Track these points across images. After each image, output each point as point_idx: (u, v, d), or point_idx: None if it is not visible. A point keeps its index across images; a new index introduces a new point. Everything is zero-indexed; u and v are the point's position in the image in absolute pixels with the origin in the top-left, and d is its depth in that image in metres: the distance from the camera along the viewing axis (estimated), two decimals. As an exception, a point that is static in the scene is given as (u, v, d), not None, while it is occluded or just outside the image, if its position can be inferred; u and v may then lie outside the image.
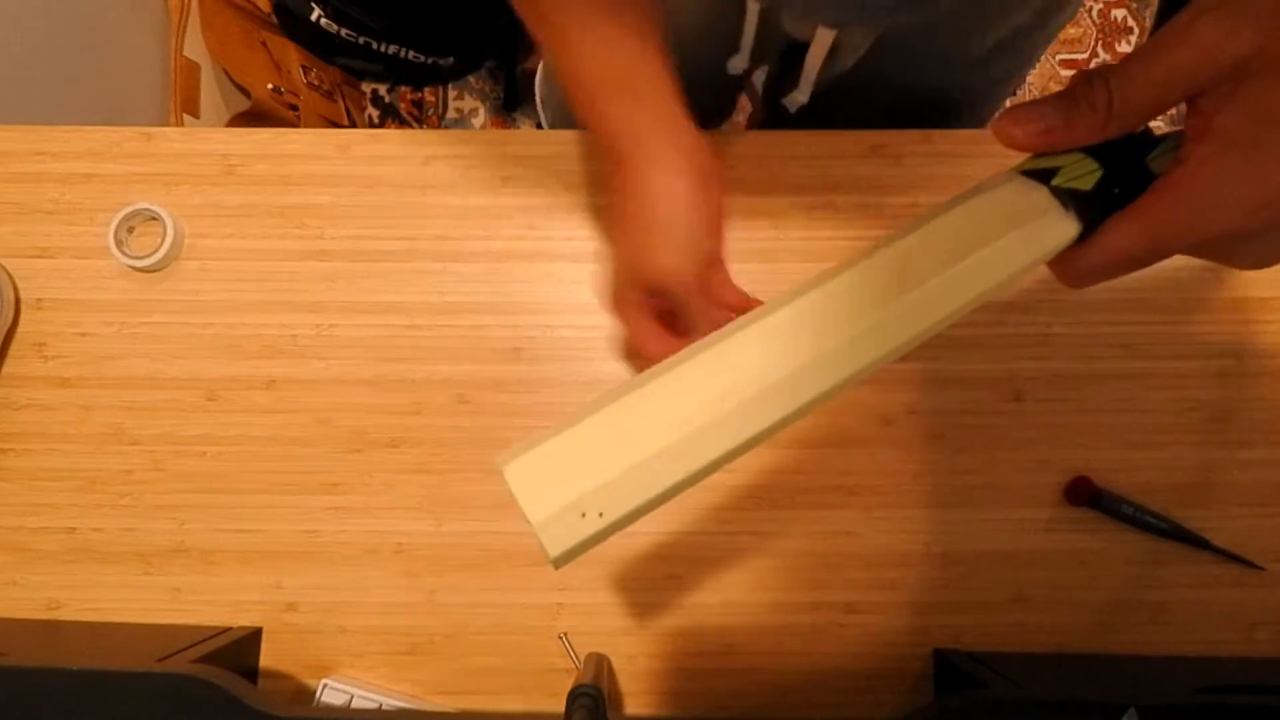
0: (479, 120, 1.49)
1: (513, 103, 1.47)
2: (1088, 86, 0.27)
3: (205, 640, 0.50)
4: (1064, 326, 0.56)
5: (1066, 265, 0.30)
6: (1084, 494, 0.53)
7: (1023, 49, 0.63)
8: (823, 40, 0.54)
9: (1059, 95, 0.28)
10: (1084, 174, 0.28)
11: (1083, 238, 0.28)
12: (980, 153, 0.58)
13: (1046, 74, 1.48)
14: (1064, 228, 0.28)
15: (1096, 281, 0.30)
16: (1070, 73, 1.48)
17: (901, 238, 0.28)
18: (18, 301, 0.56)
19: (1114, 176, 0.28)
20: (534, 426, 0.55)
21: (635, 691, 0.53)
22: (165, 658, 0.46)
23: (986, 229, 0.28)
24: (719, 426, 0.25)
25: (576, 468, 0.24)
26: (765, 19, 0.55)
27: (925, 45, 0.60)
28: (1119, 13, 1.51)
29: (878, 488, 0.55)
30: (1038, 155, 0.29)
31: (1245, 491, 0.54)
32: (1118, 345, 0.56)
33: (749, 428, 0.25)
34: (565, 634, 0.53)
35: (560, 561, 0.23)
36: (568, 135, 0.59)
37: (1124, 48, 1.50)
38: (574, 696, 0.43)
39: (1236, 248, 0.28)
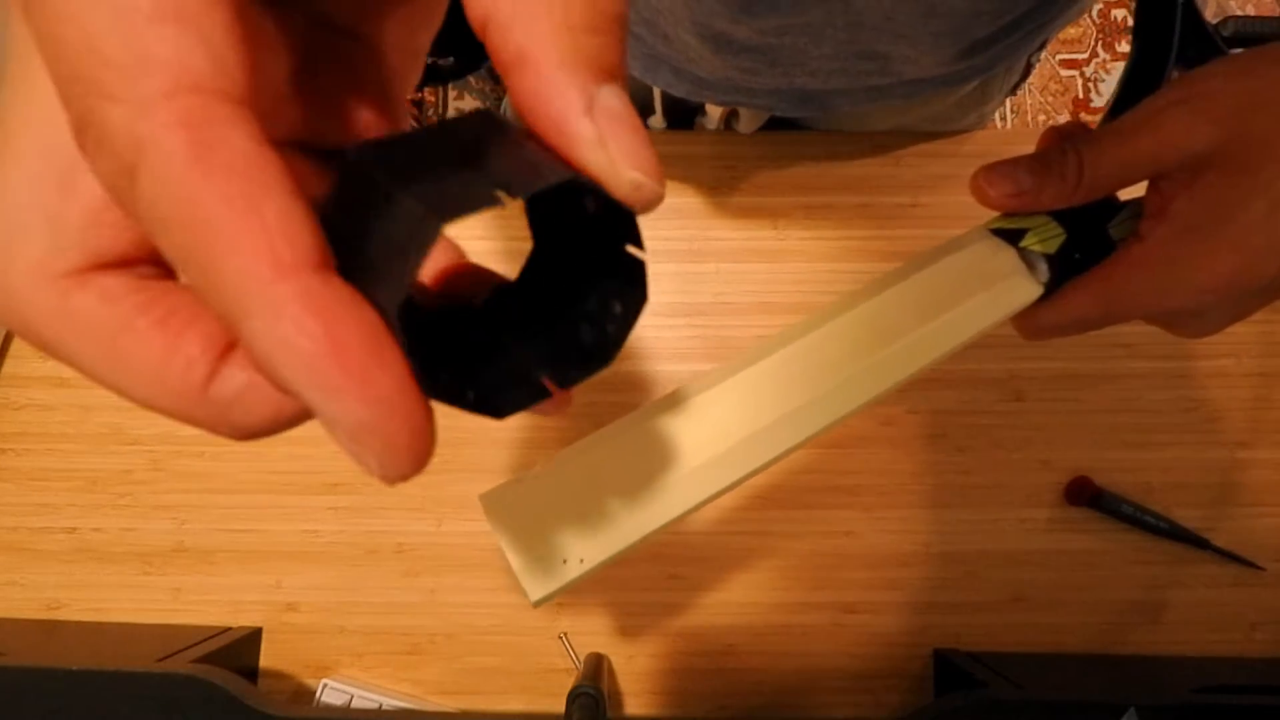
0: (479, 120, 1.49)
1: (503, 104, 1.47)
2: (1061, 156, 0.29)
3: (205, 640, 0.50)
4: (1064, 326, 0.56)
5: (1026, 321, 0.31)
6: (1084, 494, 0.53)
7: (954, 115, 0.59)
8: (714, 111, 0.56)
9: (1033, 158, 0.29)
10: (1050, 237, 0.30)
11: (1043, 298, 0.30)
12: (979, 153, 0.58)
13: (1047, 74, 1.48)
14: (1028, 289, 0.30)
15: (1052, 337, 0.32)
16: (1071, 73, 1.48)
17: (878, 293, 0.30)
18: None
19: (1076, 241, 0.30)
20: (534, 426, 0.55)
21: (635, 691, 0.53)
22: (165, 658, 0.46)
23: (958, 288, 0.29)
24: (696, 477, 0.27)
25: (559, 512, 0.24)
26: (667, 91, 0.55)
27: (827, 125, 0.60)
28: (1119, 13, 1.51)
29: (878, 488, 0.55)
30: (1008, 215, 0.31)
31: (1245, 491, 0.54)
32: (1118, 345, 0.56)
33: (726, 477, 0.28)
34: (565, 634, 0.53)
35: (539, 603, 0.24)
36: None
37: (1123, 47, 1.50)
38: (574, 696, 0.43)
39: (1184, 322, 0.30)
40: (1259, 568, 0.53)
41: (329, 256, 0.11)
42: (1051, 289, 0.30)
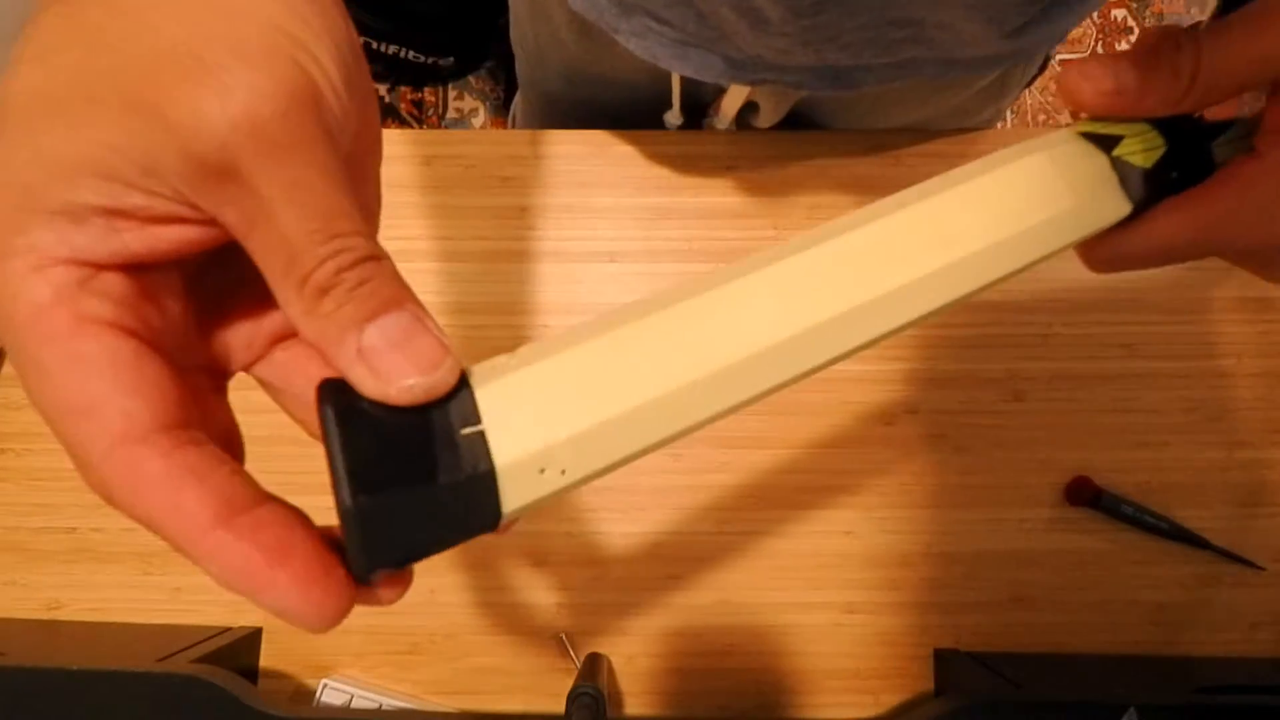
0: (479, 120, 1.49)
1: (512, 103, 1.47)
2: (1175, 50, 0.24)
3: (205, 640, 0.50)
4: (1064, 326, 0.56)
5: (1103, 246, 0.27)
6: (1084, 494, 0.53)
7: (970, 109, 0.60)
8: (735, 95, 0.55)
9: (1137, 52, 0.25)
10: (1148, 148, 0.26)
11: (1128, 219, 0.26)
12: (978, 154, 0.58)
13: (1047, 74, 1.48)
14: (1116, 205, 0.25)
15: (1125, 269, 0.27)
16: (1070, 73, 1.48)
17: (945, 190, 0.24)
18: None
19: (1176, 157, 0.26)
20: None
21: (635, 691, 0.53)
22: (165, 658, 0.46)
23: (1038, 194, 0.25)
24: (715, 383, 0.21)
25: (545, 409, 0.20)
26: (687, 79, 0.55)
27: (849, 117, 0.60)
28: (1119, 12, 1.51)
29: (878, 488, 0.55)
30: (1099, 119, 0.26)
31: (1245, 491, 0.54)
32: (1118, 345, 0.56)
33: (751, 387, 0.22)
34: (565, 634, 0.53)
35: (510, 519, 0.20)
36: (567, 135, 0.59)
37: (1124, 46, 1.50)
38: (574, 696, 0.43)
39: None
40: (1259, 568, 0.53)
41: (241, 497, 0.17)
42: (1140, 210, 0.26)
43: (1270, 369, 0.55)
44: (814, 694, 0.53)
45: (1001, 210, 0.24)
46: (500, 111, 1.49)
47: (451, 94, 1.50)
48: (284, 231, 0.16)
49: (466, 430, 0.19)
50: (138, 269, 0.17)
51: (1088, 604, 0.54)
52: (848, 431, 0.55)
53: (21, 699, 0.42)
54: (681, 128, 0.59)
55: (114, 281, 0.17)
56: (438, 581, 0.54)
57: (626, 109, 0.61)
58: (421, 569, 0.20)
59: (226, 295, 0.21)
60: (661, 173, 0.58)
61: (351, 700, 0.51)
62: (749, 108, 0.57)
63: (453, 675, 0.53)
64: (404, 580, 0.20)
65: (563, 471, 0.20)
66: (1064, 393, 0.55)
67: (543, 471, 0.19)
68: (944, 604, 0.54)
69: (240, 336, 0.22)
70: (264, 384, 0.23)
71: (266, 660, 0.53)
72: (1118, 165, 0.26)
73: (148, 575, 0.54)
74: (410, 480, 0.18)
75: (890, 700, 0.53)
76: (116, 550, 0.54)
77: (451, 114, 1.50)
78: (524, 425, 0.19)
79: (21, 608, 0.54)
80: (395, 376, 0.17)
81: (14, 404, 0.56)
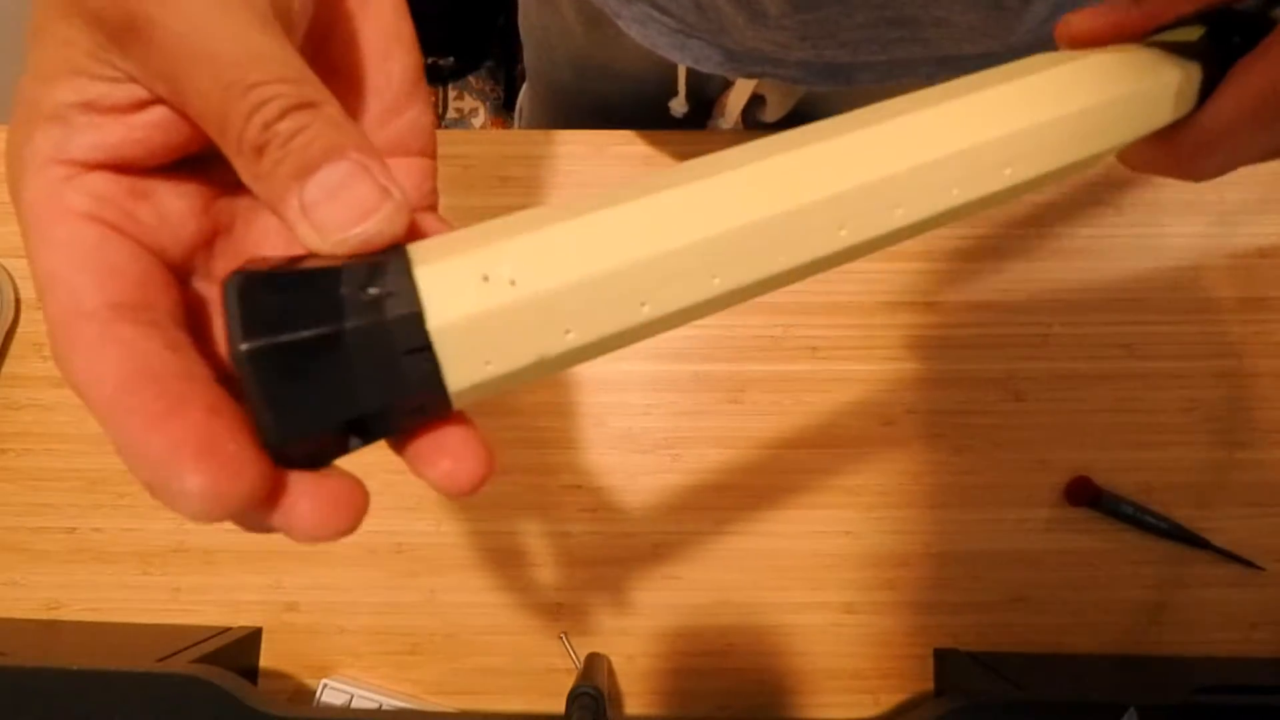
0: (479, 120, 1.49)
1: (513, 103, 1.47)
2: None
3: (205, 640, 0.50)
4: (1064, 326, 0.56)
5: (1180, 139, 0.24)
6: (1084, 494, 0.53)
7: None
8: (741, 90, 0.55)
9: None
10: (1192, 31, 0.24)
11: (1196, 108, 0.23)
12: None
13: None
14: (1189, 72, 0.23)
15: (1215, 155, 0.24)
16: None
17: (975, 91, 0.21)
18: (18, 301, 0.56)
19: (1224, 29, 0.24)
20: (533, 426, 0.55)
21: (635, 691, 0.53)
22: (165, 658, 0.46)
23: (1089, 86, 0.22)
24: (718, 199, 0.18)
25: (500, 227, 0.17)
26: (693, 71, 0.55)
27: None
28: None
29: (878, 488, 0.55)
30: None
31: (1245, 491, 0.54)
32: (1118, 345, 0.56)
33: (770, 204, 0.18)
34: (565, 634, 0.53)
35: (443, 339, 0.16)
36: (568, 135, 0.59)
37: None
38: (574, 696, 0.43)
39: None
40: (1259, 568, 0.53)
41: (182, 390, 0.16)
42: (1206, 93, 0.23)
43: (1270, 369, 0.55)
44: (814, 694, 0.53)
45: (1042, 101, 0.21)
46: (500, 111, 1.49)
47: (451, 94, 1.50)
48: (200, 88, 0.16)
49: (390, 273, 0.16)
50: (130, 169, 0.18)
51: (1088, 604, 0.54)
52: (848, 431, 0.55)
53: (21, 699, 0.42)
54: (687, 117, 0.59)
55: (98, 180, 0.17)
56: (438, 581, 0.54)
57: (634, 100, 0.61)
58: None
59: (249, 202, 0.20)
60: (661, 173, 0.58)
61: (351, 700, 0.51)
62: (756, 102, 0.57)
63: (453, 675, 0.53)
64: (334, 491, 0.16)
65: (512, 281, 0.16)
66: (1064, 393, 0.55)
67: (486, 279, 0.16)
68: (944, 604, 0.54)
69: (271, 239, 0.21)
70: None
71: (266, 660, 0.53)
72: (1172, 47, 0.23)
73: (148, 575, 0.54)
74: (315, 323, 0.15)
75: (890, 700, 0.53)
76: (116, 550, 0.54)
77: (451, 114, 1.50)
78: (461, 258, 0.16)
79: (21, 608, 0.54)
80: (331, 228, 0.16)
81: (14, 404, 0.56)
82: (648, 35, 0.49)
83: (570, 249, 0.17)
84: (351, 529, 0.17)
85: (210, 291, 0.19)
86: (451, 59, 1.41)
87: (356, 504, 0.17)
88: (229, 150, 0.16)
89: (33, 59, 0.17)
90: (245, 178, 0.17)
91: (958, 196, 0.20)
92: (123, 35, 0.16)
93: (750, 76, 0.51)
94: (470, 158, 0.58)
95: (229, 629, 0.53)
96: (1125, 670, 0.52)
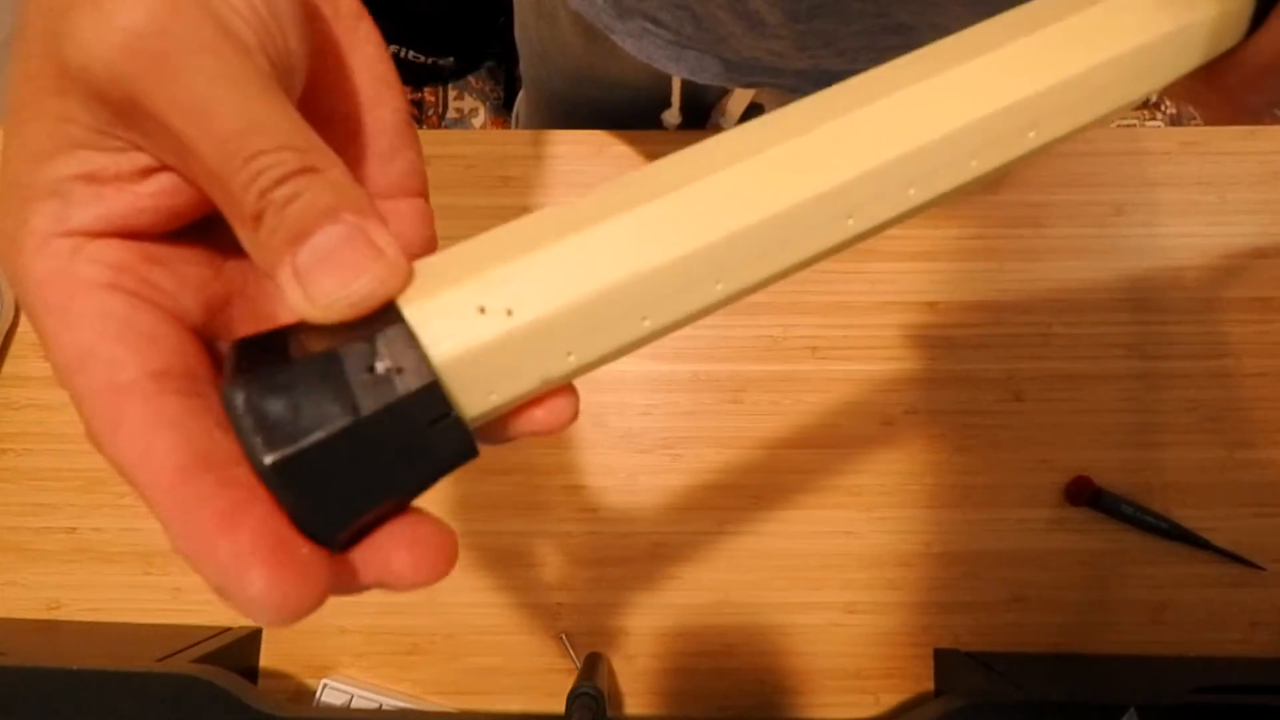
0: (479, 120, 1.49)
1: (513, 103, 1.47)
2: None
3: (205, 640, 0.50)
4: (1064, 326, 0.56)
5: (1227, 72, 0.23)
6: (1084, 494, 0.53)
7: None
8: (741, 96, 0.55)
9: None
10: None
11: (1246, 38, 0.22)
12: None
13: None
14: (1228, 12, 0.21)
15: (1265, 90, 0.23)
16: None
17: (999, 46, 0.19)
18: (18, 301, 0.56)
19: None
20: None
21: (635, 691, 0.53)
22: (165, 658, 0.46)
23: (1125, 25, 0.20)
24: (715, 199, 0.17)
25: (489, 253, 0.17)
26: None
27: None
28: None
29: (878, 488, 0.55)
30: None
31: (1245, 491, 0.54)
32: (1118, 345, 0.56)
33: (770, 202, 0.17)
34: (565, 634, 0.53)
35: (453, 383, 0.16)
36: (568, 135, 0.59)
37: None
38: (574, 696, 0.43)
39: None
40: (1259, 568, 0.53)
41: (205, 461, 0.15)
42: (1259, 17, 0.21)
43: (1270, 369, 0.55)
44: (814, 694, 0.53)
45: (1081, 44, 0.20)
46: (500, 111, 1.49)
47: (451, 94, 1.50)
48: (205, 162, 0.15)
49: (391, 341, 0.15)
50: (141, 235, 0.17)
51: (1088, 604, 0.54)
52: (848, 431, 0.55)
53: (21, 699, 0.42)
54: (680, 127, 0.59)
55: (109, 247, 0.17)
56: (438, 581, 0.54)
57: (629, 108, 0.61)
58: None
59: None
60: (661, 173, 0.58)
61: (351, 700, 0.51)
62: (753, 110, 0.58)
63: (453, 675, 0.53)
64: (425, 539, 0.17)
65: (509, 311, 0.16)
66: (1064, 393, 0.55)
67: (482, 311, 0.16)
68: (944, 604, 0.54)
69: (282, 303, 0.20)
70: None
71: (266, 660, 0.53)
72: None
73: (148, 575, 0.54)
74: (332, 419, 0.15)
75: (890, 700, 0.53)
76: (116, 550, 0.54)
77: (451, 114, 1.50)
78: (455, 291, 0.16)
79: (21, 608, 0.54)
80: (320, 295, 0.15)
81: (14, 404, 0.56)
82: (643, 49, 0.48)
83: (567, 270, 0.16)
84: (447, 572, 0.17)
85: None
86: (451, 59, 1.41)
87: (448, 549, 0.17)
88: (233, 220, 0.16)
89: (17, 140, 0.16)
90: (247, 247, 0.16)
91: (976, 168, 0.19)
92: (126, 111, 0.15)
93: (747, 86, 0.51)
94: (470, 158, 0.58)
95: (229, 629, 0.53)
96: (1125, 670, 0.52)
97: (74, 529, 0.54)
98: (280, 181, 0.15)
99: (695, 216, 0.17)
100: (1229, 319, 0.56)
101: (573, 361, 0.17)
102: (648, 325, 0.17)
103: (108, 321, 0.16)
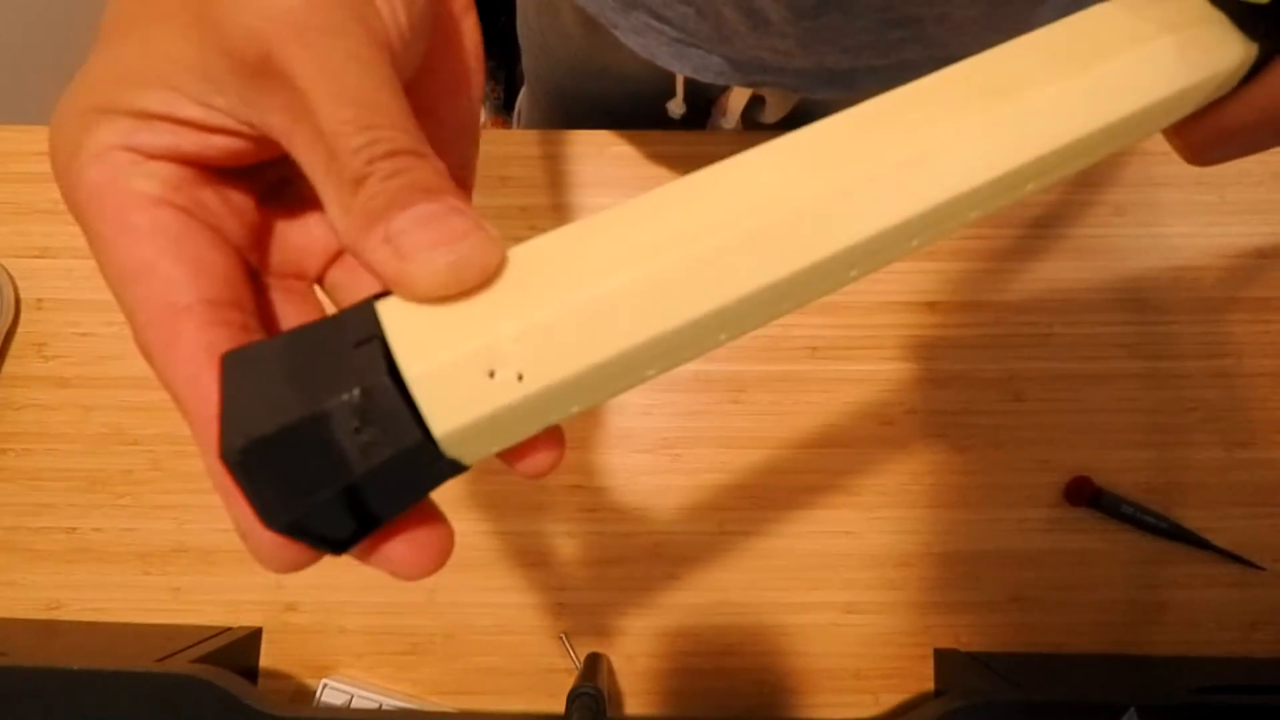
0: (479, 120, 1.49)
1: (513, 103, 1.47)
2: None
3: (205, 640, 0.50)
4: (1064, 326, 0.56)
5: (1197, 127, 0.22)
6: (1084, 494, 0.53)
7: None
8: (740, 93, 0.55)
9: None
10: None
11: (1252, 73, 0.21)
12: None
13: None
14: (1234, 43, 0.20)
15: (1230, 148, 0.22)
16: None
17: (999, 51, 0.19)
18: (18, 301, 0.56)
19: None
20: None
21: (635, 691, 0.53)
22: (165, 658, 0.46)
23: (1124, 34, 0.20)
24: (727, 258, 0.16)
25: (494, 304, 0.16)
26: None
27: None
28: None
29: (878, 488, 0.55)
30: None
31: (1245, 491, 0.54)
32: (1118, 345, 0.56)
33: (780, 264, 0.17)
34: (565, 634, 0.53)
35: (451, 445, 0.15)
36: (568, 135, 0.59)
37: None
38: (574, 696, 0.43)
39: None
40: (1259, 568, 0.53)
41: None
42: (1266, 58, 0.20)
43: (1270, 369, 0.55)
44: (814, 694, 0.53)
45: (1081, 53, 0.19)
46: (500, 111, 1.49)
47: (451, 94, 1.50)
48: (320, 123, 0.16)
49: (382, 401, 0.15)
50: (194, 163, 0.18)
51: (1088, 604, 0.54)
52: (848, 431, 0.55)
53: (21, 699, 0.42)
54: (685, 118, 0.59)
55: (166, 167, 0.17)
56: (438, 581, 0.54)
57: (632, 102, 0.61)
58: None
59: (301, 204, 0.21)
60: (663, 173, 0.58)
61: (351, 700, 0.51)
62: (755, 102, 0.57)
63: (453, 675, 0.53)
64: (424, 537, 0.18)
65: (520, 377, 0.15)
66: (1064, 393, 0.55)
67: (491, 375, 0.15)
68: (944, 604, 0.54)
69: (315, 245, 0.21)
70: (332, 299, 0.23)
71: (266, 660, 0.53)
72: (1219, 2, 0.21)
73: (148, 575, 0.54)
74: (330, 481, 0.15)
75: (890, 700, 0.53)
76: (116, 550, 0.54)
77: (451, 114, 1.49)
78: (464, 320, 0.16)
79: (21, 608, 0.54)
80: (415, 250, 0.15)
81: (14, 404, 0.56)
82: (646, 45, 0.48)
83: (584, 332, 0.16)
84: (438, 568, 0.18)
85: (275, 289, 0.20)
86: (451, 59, 1.41)
87: (443, 548, 0.18)
88: (327, 182, 0.16)
89: (113, 54, 0.17)
90: (335, 211, 0.16)
91: (975, 217, 0.19)
92: (251, 68, 0.16)
93: (750, 85, 0.51)
94: (470, 158, 0.58)
95: (229, 629, 0.53)
96: (1125, 670, 0.52)
97: (74, 529, 0.54)
98: (390, 155, 0.16)
99: (717, 277, 0.17)
100: (1229, 319, 0.56)
101: (575, 410, 0.17)
102: (651, 374, 0.17)
103: (165, 238, 0.17)
